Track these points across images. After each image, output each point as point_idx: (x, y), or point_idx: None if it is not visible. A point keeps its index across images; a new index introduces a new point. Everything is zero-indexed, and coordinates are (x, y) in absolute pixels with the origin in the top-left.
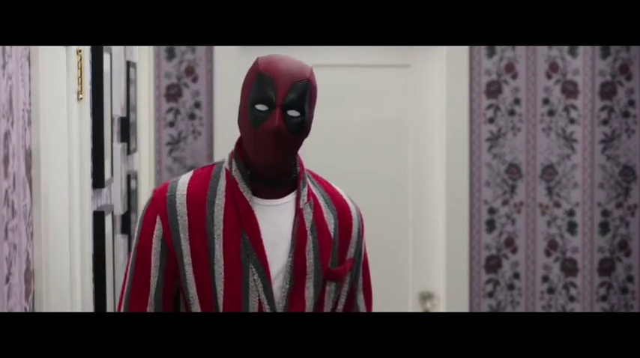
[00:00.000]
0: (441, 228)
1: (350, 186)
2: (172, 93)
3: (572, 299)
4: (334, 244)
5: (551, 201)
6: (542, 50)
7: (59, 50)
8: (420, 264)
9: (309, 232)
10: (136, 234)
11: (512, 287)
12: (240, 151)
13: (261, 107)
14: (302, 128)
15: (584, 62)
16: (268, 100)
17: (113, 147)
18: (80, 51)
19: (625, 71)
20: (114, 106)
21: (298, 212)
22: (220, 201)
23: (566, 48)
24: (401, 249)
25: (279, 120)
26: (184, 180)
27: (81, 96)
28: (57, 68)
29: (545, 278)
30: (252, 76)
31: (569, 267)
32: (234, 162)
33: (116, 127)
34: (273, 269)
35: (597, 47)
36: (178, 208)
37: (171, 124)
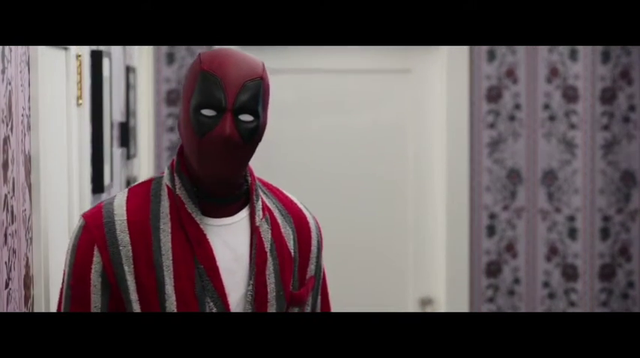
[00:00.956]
0: (442, 233)
1: (350, 191)
2: (172, 98)
3: (572, 304)
4: (295, 263)
5: (551, 207)
6: (543, 55)
7: (59, 55)
8: (420, 269)
9: (268, 253)
10: (66, 269)
11: (512, 293)
12: (182, 163)
13: (207, 112)
14: (256, 134)
15: (584, 67)
16: (216, 104)
17: (113, 152)
18: (80, 56)
19: (625, 76)
20: (113, 111)
21: (255, 230)
22: (166, 225)
23: (566, 53)
24: (401, 253)
25: (230, 127)
26: (120, 201)
27: (80, 101)
28: (56, 73)
29: (546, 284)
30: (195, 76)
31: (570, 273)
32: (176, 178)
33: (116, 132)
34: (231, 299)
35: (598, 52)
36: (119, 237)
37: (171, 129)
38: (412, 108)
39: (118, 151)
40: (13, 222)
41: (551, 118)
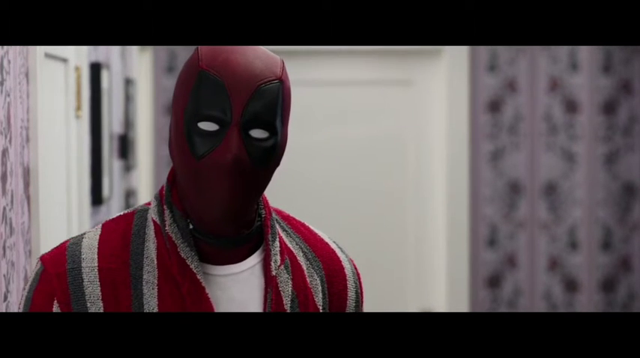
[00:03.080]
0: (442, 244)
1: (351, 202)
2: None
3: None
4: None
5: (552, 218)
6: (543, 66)
7: (58, 67)
8: (420, 280)
9: (289, 311)
10: None
11: (513, 305)
12: (175, 192)
13: (207, 126)
14: (273, 155)
15: (585, 79)
16: (218, 116)
17: (112, 164)
18: (79, 68)
19: (626, 87)
20: (112, 123)
21: (270, 281)
22: (151, 274)
23: (567, 64)
24: (402, 265)
25: (236, 147)
26: (90, 241)
27: (79, 113)
28: (55, 85)
29: (547, 296)
30: (191, 76)
31: (571, 285)
32: (166, 211)
33: (115, 144)
34: None
35: (599, 63)
36: (87, 289)
37: None
38: (412, 119)
39: (117, 163)
40: (11, 235)
41: (552, 130)
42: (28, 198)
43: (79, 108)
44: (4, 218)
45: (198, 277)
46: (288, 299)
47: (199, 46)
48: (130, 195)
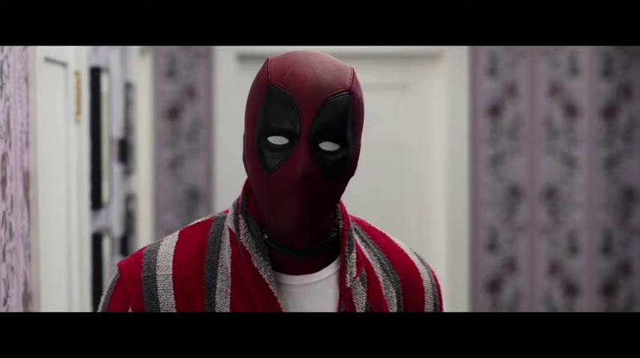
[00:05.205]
0: (442, 248)
1: (351, 206)
2: (171, 113)
3: None
4: None
5: (552, 223)
6: (544, 70)
7: (57, 71)
8: None
9: None
10: None
11: (513, 309)
12: (251, 202)
13: (276, 140)
14: (344, 168)
15: (585, 83)
16: (287, 129)
17: (111, 168)
18: (78, 72)
19: (627, 92)
20: (112, 127)
21: (345, 293)
22: (224, 283)
23: (567, 68)
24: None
25: (306, 160)
26: (167, 249)
27: (79, 117)
28: (55, 89)
29: (547, 300)
30: (261, 90)
31: (571, 289)
32: (241, 221)
33: (115, 148)
34: None
35: (599, 68)
36: (161, 297)
37: (171, 145)
38: (412, 124)
39: (116, 167)
40: (11, 239)
41: (552, 134)
42: (27, 202)
43: (78, 112)
44: (4, 222)
45: (271, 287)
46: (362, 311)
47: (269, 59)
48: (129, 199)
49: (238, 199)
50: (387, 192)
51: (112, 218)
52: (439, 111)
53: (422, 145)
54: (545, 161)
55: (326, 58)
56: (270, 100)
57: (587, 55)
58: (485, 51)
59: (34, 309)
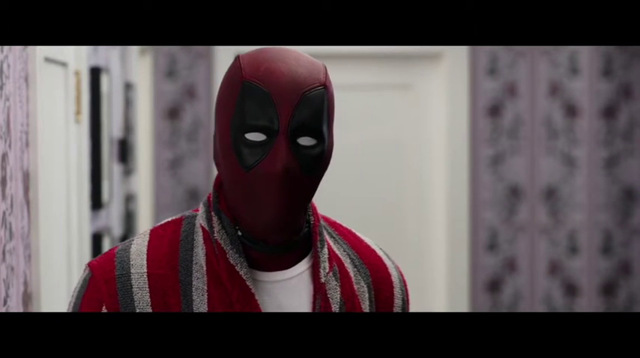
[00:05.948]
0: (442, 248)
1: (351, 207)
2: (171, 113)
3: None
4: None
5: (552, 223)
6: (544, 70)
7: (57, 71)
8: (420, 285)
9: None
10: None
11: (513, 309)
12: (222, 199)
13: (254, 137)
14: (321, 162)
15: (585, 83)
16: (265, 126)
17: (111, 168)
18: (78, 72)
19: (627, 92)
20: (112, 127)
21: (319, 289)
22: (200, 281)
23: (567, 68)
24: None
25: (286, 156)
26: (139, 248)
27: (79, 117)
28: (55, 89)
29: (547, 300)
30: (234, 88)
31: (571, 289)
32: (214, 218)
33: (114, 148)
34: None
35: (599, 68)
36: (136, 295)
37: (171, 145)
38: (412, 124)
39: (116, 167)
40: (11, 239)
41: (552, 134)
42: (27, 202)
43: (78, 112)
44: (4, 222)
45: (248, 283)
46: (337, 306)
47: (239, 55)
48: (129, 199)
49: (209, 197)
50: (387, 192)
51: (112, 218)
52: (439, 111)
53: (422, 145)
54: (545, 161)
55: (299, 53)
56: (245, 97)
57: (587, 55)
58: (485, 51)
59: (34, 309)
